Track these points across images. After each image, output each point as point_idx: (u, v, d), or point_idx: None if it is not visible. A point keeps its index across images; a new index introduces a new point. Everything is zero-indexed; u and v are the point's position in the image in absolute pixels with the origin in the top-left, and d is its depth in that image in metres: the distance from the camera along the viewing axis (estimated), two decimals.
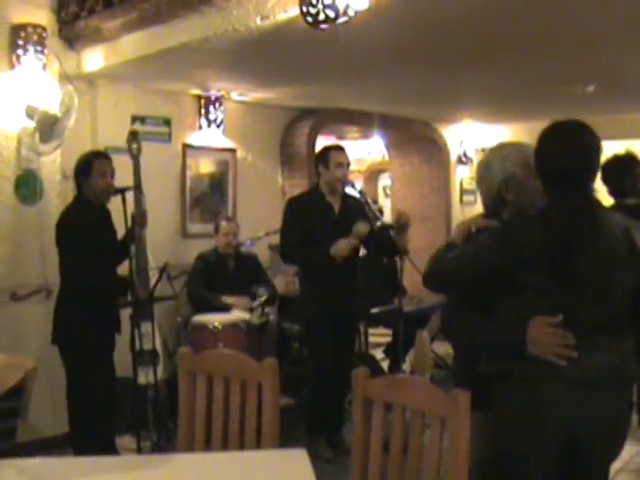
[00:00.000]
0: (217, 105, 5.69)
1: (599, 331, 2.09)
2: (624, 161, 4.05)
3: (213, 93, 5.63)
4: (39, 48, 4.33)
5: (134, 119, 5.23)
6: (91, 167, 3.87)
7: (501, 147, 2.46)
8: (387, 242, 4.30)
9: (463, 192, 8.11)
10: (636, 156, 4.08)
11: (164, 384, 4.45)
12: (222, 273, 5.14)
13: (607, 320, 2.10)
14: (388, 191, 10.50)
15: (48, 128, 4.29)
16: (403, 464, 2.06)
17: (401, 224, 4.25)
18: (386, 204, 10.55)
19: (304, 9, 3.10)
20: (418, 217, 7.13)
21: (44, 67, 4.38)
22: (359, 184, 8.29)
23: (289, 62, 4.57)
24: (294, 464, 2.10)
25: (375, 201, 10.14)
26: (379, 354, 6.13)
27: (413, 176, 8.00)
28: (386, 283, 5.68)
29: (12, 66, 4.33)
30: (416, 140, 7.77)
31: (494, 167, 2.36)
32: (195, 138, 5.70)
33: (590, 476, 2.21)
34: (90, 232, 3.79)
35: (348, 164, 4.46)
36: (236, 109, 5.97)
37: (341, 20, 3.09)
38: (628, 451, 3.35)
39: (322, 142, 6.07)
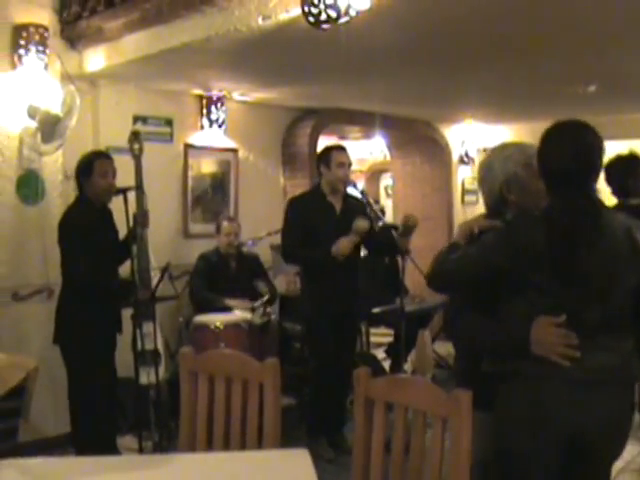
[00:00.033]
0: (219, 105, 5.69)
1: (601, 331, 2.10)
2: (627, 161, 4.05)
3: (215, 93, 5.63)
4: (41, 48, 4.33)
5: (136, 119, 5.22)
6: (92, 167, 3.87)
7: (503, 147, 2.46)
8: (388, 242, 4.28)
9: (465, 192, 8.09)
10: (639, 156, 4.08)
11: (166, 384, 4.46)
12: (224, 273, 5.15)
13: (609, 320, 2.10)
14: (390, 191, 10.50)
15: (50, 128, 4.29)
16: (405, 464, 2.06)
17: (409, 227, 4.19)
18: (388, 204, 10.53)
19: (306, 9, 3.10)
20: (420, 217, 7.04)
21: (46, 67, 4.38)
22: (361, 184, 8.28)
23: (291, 62, 4.56)
24: (296, 464, 2.10)
25: (377, 201, 10.12)
26: (380, 354, 6.12)
27: (415, 176, 7.99)
28: (388, 283, 5.68)
29: (14, 66, 4.33)
30: (418, 140, 7.76)
31: (496, 167, 2.36)
32: (197, 138, 5.70)
33: (592, 476, 2.21)
34: (92, 232, 3.79)
35: (350, 164, 4.45)
36: (238, 109, 5.97)
37: (343, 20, 3.09)
38: (630, 451, 3.36)
39: (324, 142, 6.05)
